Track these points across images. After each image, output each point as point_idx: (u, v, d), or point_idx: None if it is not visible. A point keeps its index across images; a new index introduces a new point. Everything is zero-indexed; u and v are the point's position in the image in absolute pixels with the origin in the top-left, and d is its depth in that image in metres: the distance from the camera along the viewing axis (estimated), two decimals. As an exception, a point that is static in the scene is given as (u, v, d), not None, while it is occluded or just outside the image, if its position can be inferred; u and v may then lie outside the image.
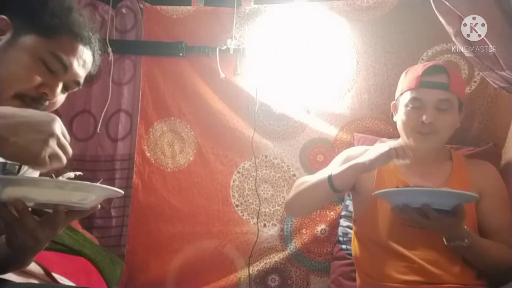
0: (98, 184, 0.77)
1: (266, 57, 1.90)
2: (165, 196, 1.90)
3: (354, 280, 1.42)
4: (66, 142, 0.73)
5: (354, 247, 1.41)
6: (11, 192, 0.73)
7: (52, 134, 0.70)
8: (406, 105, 1.33)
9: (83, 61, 0.94)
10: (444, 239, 1.19)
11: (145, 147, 1.94)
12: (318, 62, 1.88)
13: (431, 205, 1.11)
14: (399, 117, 1.36)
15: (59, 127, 0.71)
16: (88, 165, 1.92)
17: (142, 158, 1.92)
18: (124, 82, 1.97)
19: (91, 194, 0.78)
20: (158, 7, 1.97)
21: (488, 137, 1.64)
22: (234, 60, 1.92)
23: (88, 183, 0.76)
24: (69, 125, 1.95)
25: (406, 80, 1.36)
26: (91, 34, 0.95)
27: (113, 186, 1.95)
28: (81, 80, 0.95)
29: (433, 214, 1.11)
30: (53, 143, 0.70)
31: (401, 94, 1.37)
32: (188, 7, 1.96)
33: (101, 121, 1.93)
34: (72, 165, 1.91)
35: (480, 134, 1.68)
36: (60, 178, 0.79)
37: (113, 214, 1.90)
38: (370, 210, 1.34)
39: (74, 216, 0.81)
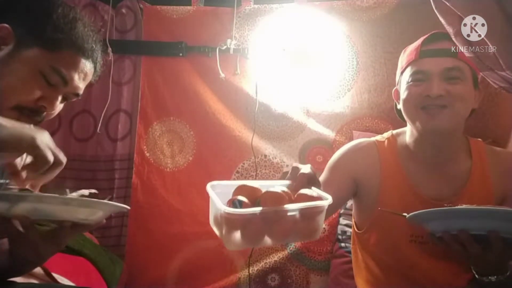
0: (104, 201, 0.78)
1: (266, 57, 1.90)
2: (164, 196, 1.90)
3: (354, 278, 1.41)
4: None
5: (355, 252, 1.33)
6: (17, 208, 0.73)
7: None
8: (408, 82, 1.13)
9: (84, 74, 0.93)
10: (474, 272, 0.98)
11: (145, 147, 1.94)
12: (318, 62, 1.88)
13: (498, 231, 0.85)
14: (401, 98, 1.15)
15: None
16: (88, 165, 1.92)
17: (141, 158, 1.92)
18: (124, 82, 1.97)
19: (98, 210, 0.78)
20: (158, 7, 1.97)
21: (489, 136, 1.64)
22: (234, 60, 1.92)
23: (95, 200, 0.76)
24: (69, 125, 1.95)
25: (404, 56, 1.19)
26: (94, 46, 0.93)
27: (113, 186, 1.97)
28: (81, 92, 0.95)
29: (500, 245, 0.85)
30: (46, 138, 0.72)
31: (401, 73, 1.18)
32: (188, 7, 1.96)
33: (101, 121, 1.92)
34: (72, 165, 1.91)
35: (481, 133, 1.67)
36: (74, 194, 0.79)
37: (112, 214, 1.90)
38: (374, 222, 1.19)
39: (79, 230, 0.81)
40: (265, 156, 1.90)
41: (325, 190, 1.16)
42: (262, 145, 1.91)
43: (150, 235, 1.86)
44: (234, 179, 1.90)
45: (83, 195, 0.80)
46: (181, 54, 1.93)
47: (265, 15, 1.92)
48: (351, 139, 1.83)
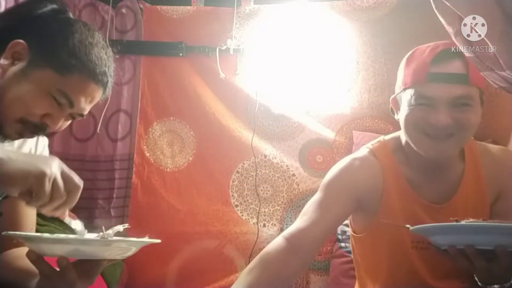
0: (143, 239, 0.82)
1: (266, 57, 1.90)
2: (164, 196, 1.90)
3: (354, 278, 1.40)
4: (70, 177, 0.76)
5: (357, 267, 1.30)
6: (57, 249, 0.75)
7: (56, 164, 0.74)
8: (410, 103, 1.03)
9: (92, 98, 0.94)
10: (477, 279, 0.95)
11: (145, 147, 1.93)
12: (318, 62, 1.88)
13: (506, 246, 0.83)
14: (402, 116, 1.07)
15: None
16: (88, 165, 1.93)
17: (141, 158, 1.92)
18: (123, 82, 1.97)
19: (133, 248, 0.81)
20: (158, 7, 1.97)
21: (489, 136, 1.64)
22: (234, 60, 1.92)
23: (134, 240, 0.80)
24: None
25: (409, 71, 1.07)
26: (106, 70, 0.94)
27: (113, 186, 1.97)
28: (86, 113, 0.96)
29: (508, 259, 0.84)
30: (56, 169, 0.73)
31: (404, 89, 1.07)
32: (188, 7, 1.96)
33: (101, 121, 1.92)
34: (72, 165, 1.90)
35: (481, 133, 1.67)
36: (110, 231, 0.80)
37: (112, 214, 1.90)
38: (374, 228, 1.14)
39: (110, 263, 0.83)
40: (265, 156, 1.90)
41: (323, 209, 1.08)
42: (262, 145, 1.91)
43: (150, 235, 1.85)
44: (234, 179, 1.90)
45: (118, 232, 0.82)
46: (181, 54, 1.93)
47: (265, 15, 1.92)
48: (351, 139, 1.83)
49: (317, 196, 1.13)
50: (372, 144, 1.20)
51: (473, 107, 1.01)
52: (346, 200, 1.12)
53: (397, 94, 1.12)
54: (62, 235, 0.79)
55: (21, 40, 0.88)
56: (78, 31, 0.91)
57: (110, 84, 0.99)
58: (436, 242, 0.92)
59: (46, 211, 0.75)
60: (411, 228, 0.92)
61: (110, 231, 0.79)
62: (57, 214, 0.78)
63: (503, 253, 0.84)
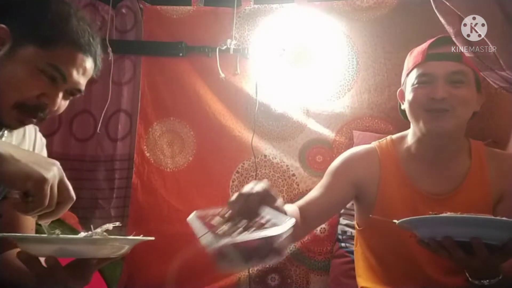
0: (130, 237, 0.81)
1: (266, 57, 1.90)
2: (164, 196, 1.90)
3: (354, 278, 1.41)
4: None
5: (357, 258, 1.35)
6: (44, 249, 0.75)
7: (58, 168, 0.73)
8: (413, 84, 1.17)
9: (83, 69, 0.92)
10: (467, 275, 0.99)
11: (145, 147, 1.93)
12: (318, 62, 1.88)
13: (481, 238, 0.86)
14: (406, 100, 1.20)
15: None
16: (88, 165, 1.92)
17: (141, 158, 1.92)
18: (124, 82, 1.96)
19: (123, 245, 0.80)
20: (158, 7, 1.96)
21: (489, 136, 1.64)
22: (234, 60, 1.92)
23: (120, 237, 0.79)
24: (69, 125, 1.95)
25: (411, 58, 1.23)
26: (91, 40, 0.93)
27: (113, 186, 1.96)
28: (82, 87, 0.95)
29: (484, 251, 0.87)
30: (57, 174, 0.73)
31: (407, 75, 1.22)
32: (188, 7, 1.96)
33: (101, 121, 1.92)
34: (72, 165, 1.91)
35: (481, 133, 1.67)
36: (98, 229, 0.80)
37: (112, 214, 1.90)
38: (374, 220, 1.16)
39: (105, 262, 0.83)
40: (265, 156, 1.90)
41: (325, 194, 1.24)
42: (262, 145, 1.90)
43: (150, 235, 1.85)
44: (234, 179, 1.90)
45: (107, 230, 0.81)
46: (181, 54, 1.93)
47: (265, 15, 1.92)
48: (351, 139, 1.83)
49: (321, 180, 1.30)
50: (378, 141, 1.31)
51: (468, 84, 1.14)
52: (344, 184, 1.25)
53: (403, 83, 1.25)
54: (46, 235, 0.78)
55: (2, 25, 0.87)
56: (55, 4, 0.90)
57: (99, 56, 0.97)
58: (419, 234, 0.97)
59: (31, 215, 0.74)
60: (397, 222, 0.96)
61: (98, 230, 0.79)
62: (40, 220, 0.77)
63: (478, 245, 0.87)
